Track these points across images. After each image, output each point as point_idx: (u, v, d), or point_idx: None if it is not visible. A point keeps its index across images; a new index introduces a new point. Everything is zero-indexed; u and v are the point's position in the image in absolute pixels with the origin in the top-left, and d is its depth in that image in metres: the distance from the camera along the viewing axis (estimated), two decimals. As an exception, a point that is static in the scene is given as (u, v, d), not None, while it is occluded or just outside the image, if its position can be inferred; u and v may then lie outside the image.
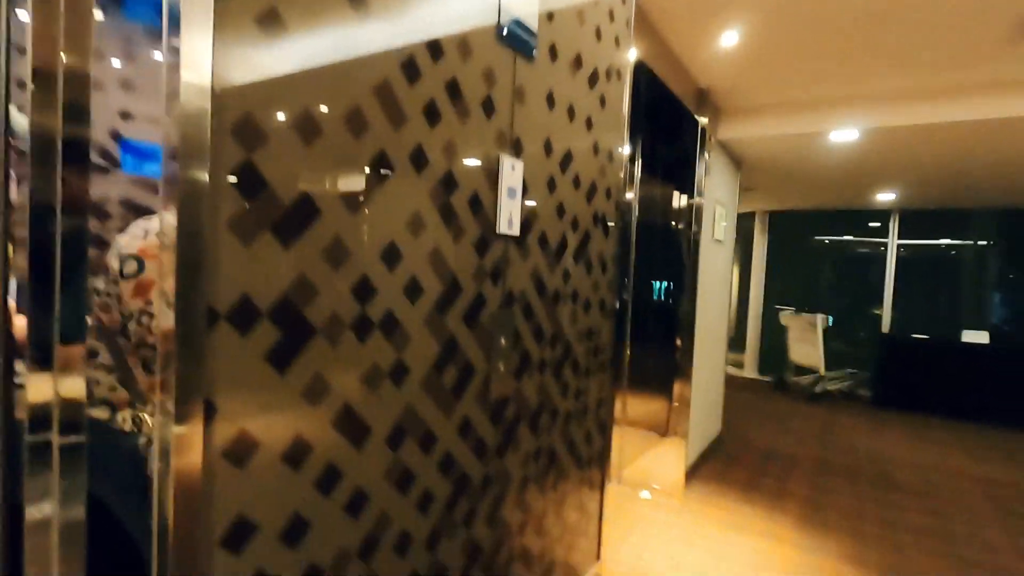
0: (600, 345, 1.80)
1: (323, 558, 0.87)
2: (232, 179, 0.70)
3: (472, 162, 1.13)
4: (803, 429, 4.72)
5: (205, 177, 0.66)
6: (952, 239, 7.59)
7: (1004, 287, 7.23)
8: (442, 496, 1.12)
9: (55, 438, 0.67)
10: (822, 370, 6.19)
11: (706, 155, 3.14)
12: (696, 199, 3.12)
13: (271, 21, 0.73)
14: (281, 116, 0.75)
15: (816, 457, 3.93)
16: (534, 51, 1.30)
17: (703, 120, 3.01)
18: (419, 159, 0.99)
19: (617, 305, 1.89)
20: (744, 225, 7.62)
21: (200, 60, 0.65)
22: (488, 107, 1.16)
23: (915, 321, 6.86)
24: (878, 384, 6.05)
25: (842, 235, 8.00)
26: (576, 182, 1.56)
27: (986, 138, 3.08)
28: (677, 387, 3.26)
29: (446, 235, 1.07)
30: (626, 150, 1.86)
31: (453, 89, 1.06)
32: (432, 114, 1.01)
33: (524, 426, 1.40)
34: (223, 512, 0.72)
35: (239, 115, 0.70)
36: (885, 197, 5.64)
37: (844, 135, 3.10)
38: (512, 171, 1.25)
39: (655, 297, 3.48)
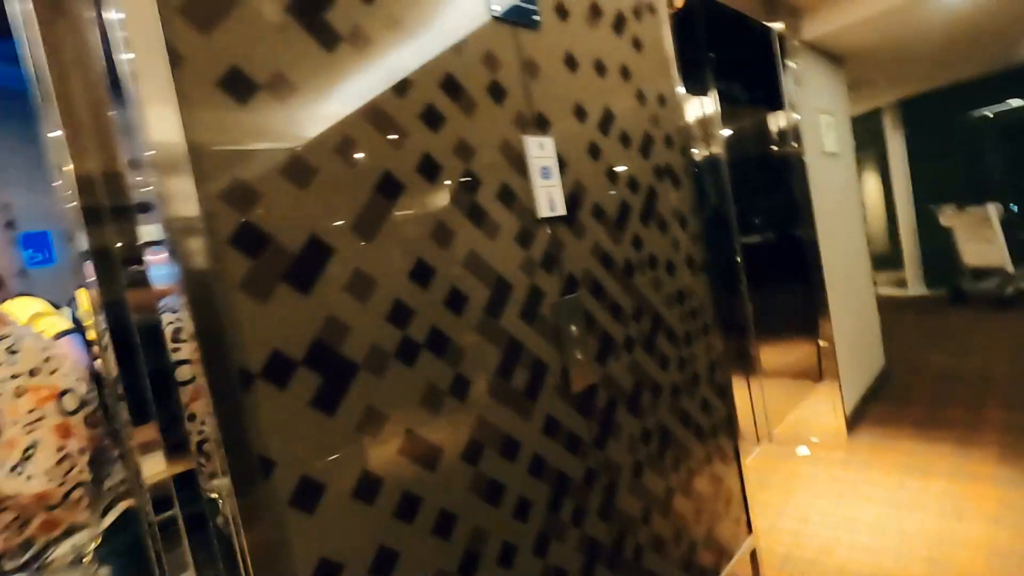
0: (697, 306, 1.64)
1: (421, 583, 0.87)
2: (232, 243, 0.71)
3: (492, 153, 1.07)
4: (993, 344, 4.00)
5: (203, 249, 0.68)
6: None
7: None
8: (541, 500, 1.08)
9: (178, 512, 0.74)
10: (1009, 267, 5.20)
11: (790, 63, 2.76)
12: (790, 115, 2.76)
13: (235, 80, 0.74)
14: (269, 166, 0.76)
15: (1014, 375, 3.31)
16: (536, 17, 1.21)
17: (776, 26, 2.64)
18: (428, 168, 0.95)
19: (706, 254, 1.72)
20: (873, 125, 6.64)
21: (170, 129, 0.67)
22: (496, 92, 1.10)
23: None
24: (1091, 269, 4.94)
25: (1001, 101, 6.64)
26: (625, 140, 1.43)
27: None
28: (818, 324, 2.92)
29: (480, 236, 1.03)
30: (679, 91, 1.67)
31: (450, 86, 1.01)
32: (432, 119, 0.97)
33: (622, 410, 1.32)
34: (303, 559, 0.74)
35: (227, 180, 0.72)
36: (1050, 43, 4.55)
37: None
38: (541, 150, 1.17)
39: (768, 233, 3.15)
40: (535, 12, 1.20)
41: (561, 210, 1.21)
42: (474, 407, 0.98)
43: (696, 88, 2.87)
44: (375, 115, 0.89)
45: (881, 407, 3.12)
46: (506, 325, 1.06)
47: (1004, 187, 6.47)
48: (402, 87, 0.93)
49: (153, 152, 0.66)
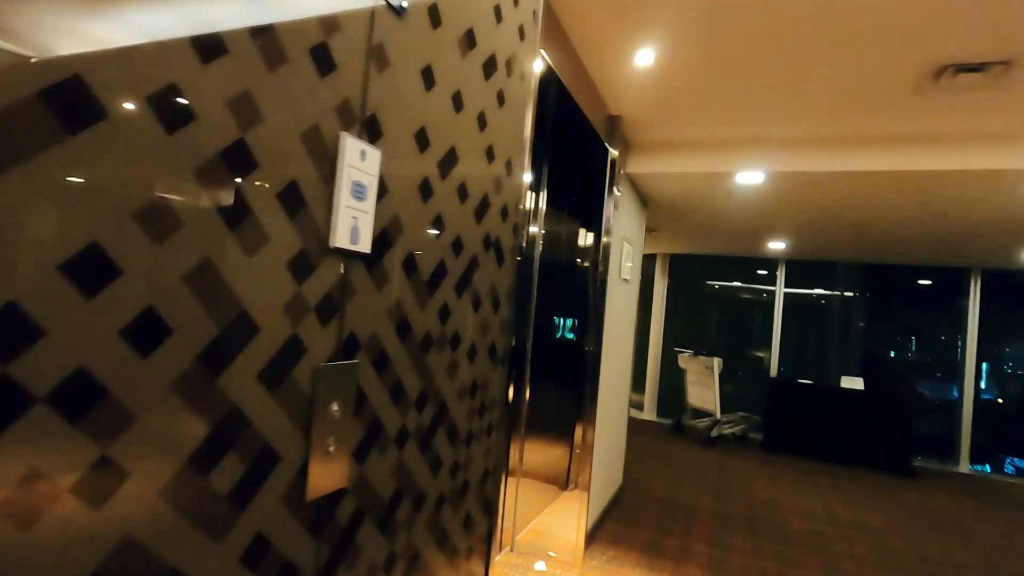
0: (488, 401, 1.43)
1: None
2: None
3: (290, 134, 0.74)
4: (701, 477, 4.62)
5: None
6: (824, 289, 8.16)
7: (872, 335, 7.83)
8: (200, 676, 0.67)
9: None
10: (718, 414, 6.24)
11: (615, 190, 2.95)
12: (604, 236, 2.90)
13: None
14: None
15: (715, 509, 3.79)
16: (404, 3, 0.95)
17: (614, 152, 2.82)
18: (169, 109, 0.58)
19: (512, 345, 1.54)
20: (647, 266, 7.73)
21: None
22: (323, 59, 0.78)
23: (799, 366, 7.20)
24: (768, 429, 6.19)
25: (734, 281, 8.36)
26: (462, 192, 1.21)
27: (875, 190, 3.16)
28: (579, 433, 2.96)
29: (231, 244, 0.66)
30: (527, 165, 1.55)
31: (255, 25, 0.67)
32: (206, 48, 0.61)
33: (369, 527, 0.98)
34: None
35: None
36: (776, 246, 5.87)
37: (750, 177, 3.05)
38: (363, 161, 0.87)
39: (558, 336, 3.20)
40: (403, -3, 0.95)
41: (365, 246, 0.90)
42: (125, 515, 0.57)
43: (530, 181, 2.88)
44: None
45: (614, 525, 3.25)
46: (229, 386, 0.68)
47: (721, 345, 7.96)
48: (165, -32, 0.57)
49: None
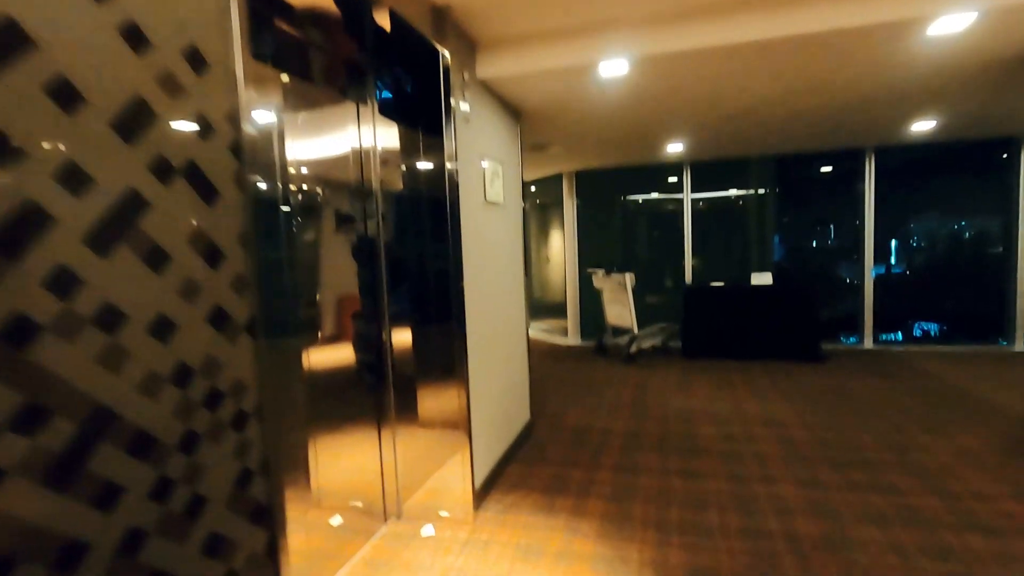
0: (227, 387, 1.06)
1: None
2: None
3: None
4: (618, 397, 4.53)
5: None
6: (738, 189, 8.13)
7: (783, 230, 7.95)
8: None
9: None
10: (635, 329, 6.20)
11: (459, 98, 2.52)
12: (449, 157, 2.50)
13: None
14: None
15: (628, 429, 3.69)
16: None
17: (446, 53, 2.37)
18: None
19: (257, 306, 1.17)
20: (555, 188, 7.42)
21: None
22: None
23: (713, 270, 7.24)
24: (686, 336, 6.23)
25: (645, 192, 8.20)
26: (63, 93, 0.78)
27: (748, 66, 2.88)
28: (461, 380, 2.67)
29: None
30: (238, 56, 1.11)
31: None
32: None
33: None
34: None
35: None
36: (675, 148, 5.66)
37: (613, 67, 2.69)
38: None
39: (422, 275, 2.85)
40: None
41: None
42: None
43: (354, 94, 2.41)
44: None
45: (519, 467, 3.08)
46: None
47: (640, 260, 7.90)
48: None
49: None
